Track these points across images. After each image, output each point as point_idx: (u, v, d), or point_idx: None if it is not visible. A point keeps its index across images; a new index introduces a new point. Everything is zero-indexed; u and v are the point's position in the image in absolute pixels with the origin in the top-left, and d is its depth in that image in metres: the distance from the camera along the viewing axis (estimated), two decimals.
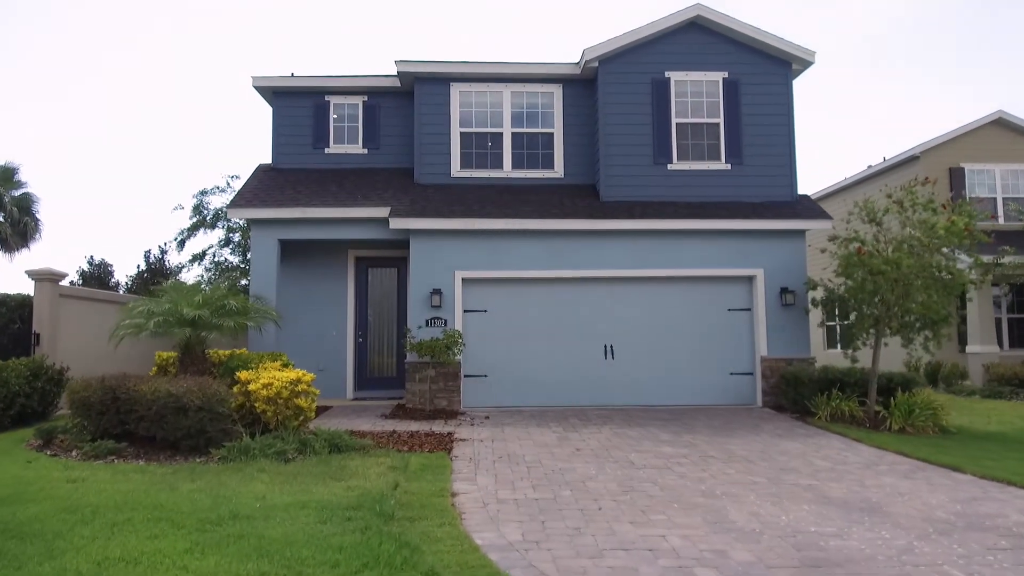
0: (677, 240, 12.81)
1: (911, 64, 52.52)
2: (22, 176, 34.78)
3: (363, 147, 14.47)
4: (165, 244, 20.77)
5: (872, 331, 11.61)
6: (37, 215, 36.02)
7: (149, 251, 30.17)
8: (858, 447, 9.27)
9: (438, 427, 10.39)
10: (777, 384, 12.52)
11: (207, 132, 48.31)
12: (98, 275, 35.66)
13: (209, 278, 20.25)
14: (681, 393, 12.72)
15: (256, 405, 8.61)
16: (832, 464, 8.25)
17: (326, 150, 14.45)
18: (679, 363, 12.78)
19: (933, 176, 15.61)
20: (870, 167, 22.52)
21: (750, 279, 12.97)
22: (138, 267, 31.83)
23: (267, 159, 14.68)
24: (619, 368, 12.72)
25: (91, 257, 35.22)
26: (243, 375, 9.16)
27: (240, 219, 13.81)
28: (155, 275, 29.14)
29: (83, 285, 33.48)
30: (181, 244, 20.35)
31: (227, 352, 12.45)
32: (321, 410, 12.11)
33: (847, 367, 11.82)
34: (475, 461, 8.07)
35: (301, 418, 8.66)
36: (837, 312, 12.42)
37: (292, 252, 14.04)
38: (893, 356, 12.45)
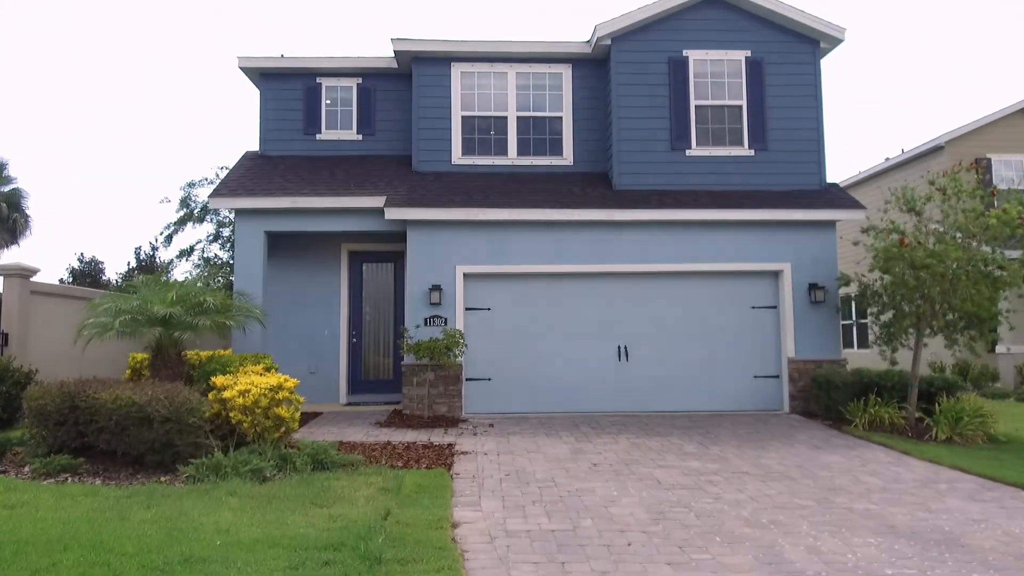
0: (697, 232, 11.80)
1: (936, 47, 50.63)
2: (11, 171, 33.85)
3: (357, 133, 13.48)
4: (156, 241, 19.74)
5: (912, 330, 10.62)
6: (27, 211, 35.17)
7: (139, 248, 29.25)
8: (908, 461, 8.27)
9: (437, 437, 9.39)
10: (806, 388, 11.52)
11: (201, 122, 47.02)
12: (89, 272, 34.81)
13: (197, 275, 19.26)
14: (701, 398, 11.72)
15: (231, 415, 7.62)
16: (884, 482, 7.25)
17: (318, 136, 13.45)
18: (699, 366, 11.79)
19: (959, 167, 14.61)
20: (888, 160, 21.51)
21: (776, 274, 11.97)
22: (128, 264, 30.93)
23: (256, 147, 13.67)
24: (634, 371, 11.72)
25: (81, 254, 34.35)
26: (218, 380, 8.17)
27: (223, 209, 12.83)
28: (146, 272, 28.21)
29: (73, 283, 32.62)
30: (168, 239, 19.33)
31: (208, 354, 11.48)
32: (311, 416, 11.15)
33: (883, 369, 10.82)
34: (479, 480, 7.08)
35: (282, 429, 7.67)
36: (870, 310, 11.40)
37: (281, 246, 13.06)
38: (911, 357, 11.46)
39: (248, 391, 7.60)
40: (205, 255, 19.45)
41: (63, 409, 7.71)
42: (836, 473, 7.60)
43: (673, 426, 10.35)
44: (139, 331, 8.89)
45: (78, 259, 33.78)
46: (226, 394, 7.69)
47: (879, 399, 10.25)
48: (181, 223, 18.55)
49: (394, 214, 11.42)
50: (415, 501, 6.05)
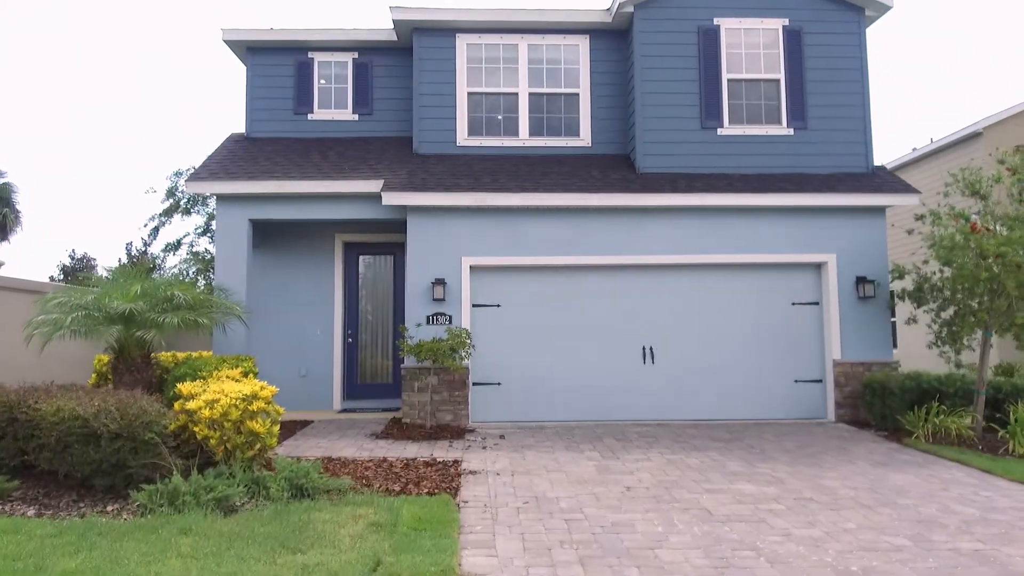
0: (730, 219, 10.56)
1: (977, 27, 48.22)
2: (0, 166, 32.75)
3: (353, 113, 12.25)
4: (146, 236, 18.64)
5: (979, 329, 9.37)
6: (17, 206, 34.05)
7: (131, 243, 28.07)
8: (995, 483, 7.01)
9: (441, 452, 8.17)
10: (854, 394, 10.28)
11: (191, 106, 45.28)
12: (81, 270, 33.64)
13: (185, 270, 18.11)
14: (735, 405, 10.48)
15: (196, 430, 6.40)
16: (980, 511, 6.00)
17: (309, 116, 12.23)
18: (733, 369, 10.54)
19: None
20: (915, 150, 20.21)
21: (819, 267, 10.72)
22: (119, 260, 29.75)
23: (243, 129, 12.45)
24: (660, 374, 10.48)
25: (72, 251, 33.24)
26: (185, 388, 6.97)
27: (201, 194, 11.60)
28: (145, 269, 27.08)
29: (64, 281, 31.48)
30: (155, 232, 18.18)
31: (184, 355, 10.29)
32: (300, 425, 9.94)
33: (942, 374, 9.58)
34: (492, 510, 5.85)
35: (257, 447, 6.44)
36: (924, 307, 10.16)
37: (268, 236, 11.85)
38: (926, 356, 10.20)
39: (216, 401, 6.38)
40: (194, 249, 18.34)
41: (1, 422, 6.55)
42: (917, 499, 6.36)
43: (709, 438, 9.11)
44: (96, 330, 7.68)
45: (69, 256, 32.72)
46: (191, 405, 6.47)
47: (944, 407, 9.02)
48: (167, 215, 17.38)
49: (393, 199, 10.20)
50: (413, 543, 4.81)
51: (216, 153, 11.53)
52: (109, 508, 5.82)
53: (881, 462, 7.83)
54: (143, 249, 29.26)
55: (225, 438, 6.34)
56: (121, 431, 6.02)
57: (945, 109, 47.89)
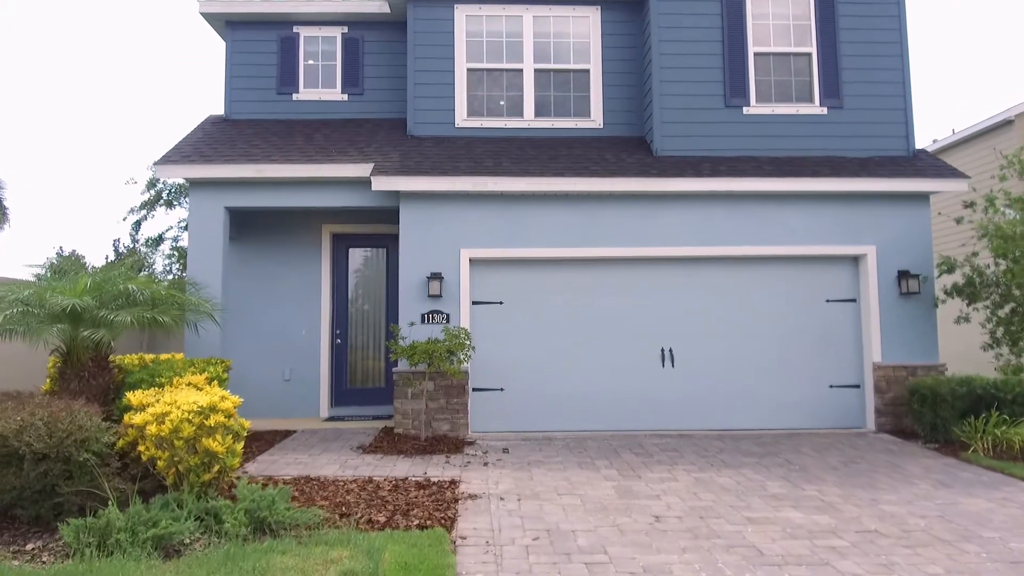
0: (758, 207, 9.51)
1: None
2: None
3: (342, 92, 11.21)
4: (132, 231, 17.58)
5: None
6: (4, 202, 33.05)
7: (118, 239, 27.00)
8: None
9: (436, 469, 7.13)
10: (897, 401, 9.23)
11: (174, 91, 43.50)
12: (65, 268, 32.59)
13: (169, 267, 17.09)
14: (765, 413, 9.44)
15: (142, 449, 5.37)
16: None
17: (294, 96, 11.19)
18: (761, 373, 9.50)
19: None
20: (935, 141, 19.17)
21: (856, 260, 9.68)
22: (106, 258, 28.66)
23: (222, 110, 11.39)
24: (681, 379, 9.44)
25: (60, 248, 32.10)
26: (135, 397, 5.95)
27: (175, 180, 10.55)
28: (132, 267, 25.99)
29: (49, 277, 30.43)
30: (137, 226, 17.14)
31: (152, 358, 9.26)
32: (281, 436, 8.91)
33: (997, 378, 8.54)
34: (495, 549, 4.81)
35: (215, 469, 5.40)
36: (976, 304, 9.14)
37: (248, 227, 10.83)
38: (967, 358, 9.15)
39: (166, 415, 5.35)
40: (179, 244, 17.30)
41: None
42: (1002, 531, 5.32)
43: (739, 451, 8.07)
44: (36, 329, 6.65)
45: (57, 253, 31.62)
46: (137, 419, 5.44)
47: (1003, 416, 7.99)
48: (148, 207, 16.35)
49: (384, 184, 9.16)
50: None
51: (190, 136, 10.49)
52: (29, 546, 4.79)
53: (943, 482, 6.79)
54: (131, 245, 28.27)
55: (176, 459, 5.31)
56: (49, 451, 5.01)
57: (962, 97, 46.29)
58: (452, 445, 8.31)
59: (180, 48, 45.20)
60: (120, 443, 5.61)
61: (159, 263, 18.12)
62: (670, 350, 9.47)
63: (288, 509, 5.07)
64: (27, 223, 28.25)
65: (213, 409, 5.48)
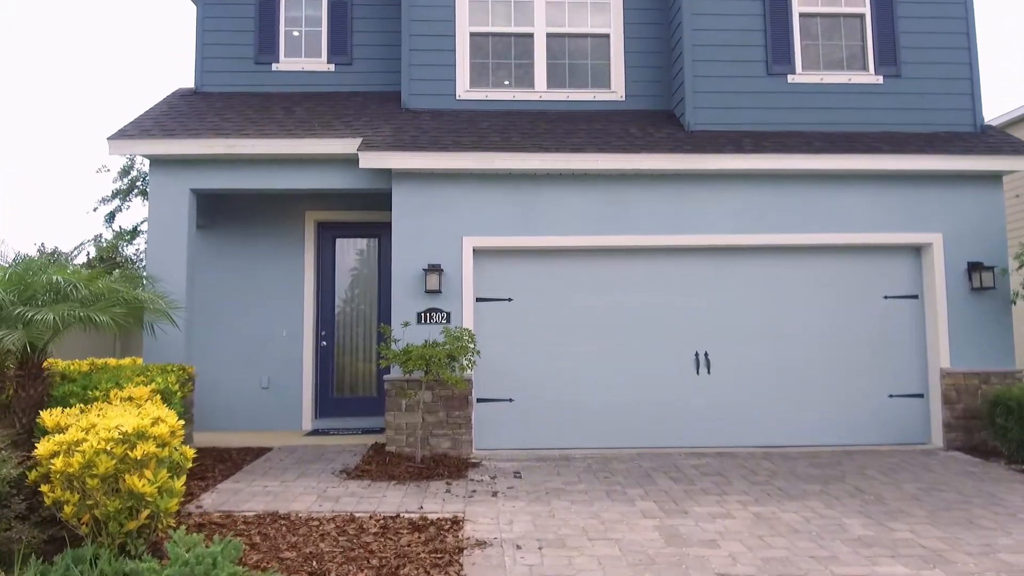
0: (808, 189, 8.23)
1: None
2: None
3: (328, 62, 9.91)
4: (110, 224, 16.32)
5: None
6: None
7: (100, 235, 25.68)
8: None
9: (435, 500, 5.84)
10: (969, 413, 7.96)
11: (149, 69, 41.23)
12: (51, 264, 31.22)
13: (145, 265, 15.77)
14: (813, 426, 8.16)
15: (45, 490, 4.08)
16: None
17: (274, 66, 9.89)
18: (810, 380, 8.22)
19: None
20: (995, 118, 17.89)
21: (919, 249, 8.40)
22: (88, 255, 27.34)
23: (192, 83, 10.09)
24: (718, 388, 8.15)
25: (42, 245, 30.80)
26: (50, 418, 4.66)
27: (128, 155, 9.18)
28: (110, 265, 24.61)
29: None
30: (110, 218, 15.84)
31: (102, 363, 7.99)
32: (254, 455, 7.62)
33: None
34: None
35: (144, 515, 4.11)
36: None
37: (221, 213, 9.56)
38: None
39: (78, 444, 4.06)
40: None
41: None
42: None
43: (794, 475, 6.79)
44: None
45: (38, 250, 30.30)
46: (42, 448, 4.15)
47: None
48: (121, 196, 15.04)
49: (373, 161, 7.86)
50: None
51: (153, 109, 9.19)
52: None
53: None
54: (112, 241, 26.93)
55: (90, 502, 4.01)
56: None
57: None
58: (453, 467, 7.01)
59: (153, 22, 43.04)
60: (32, 476, 4.33)
61: (138, 258, 16.86)
62: (705, 354, 8.18)
63: (233, 570, 3.76)
64: (10, 220, 26.81)
65: (142, 435, 4.18)
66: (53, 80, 43.61)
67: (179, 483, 4.32)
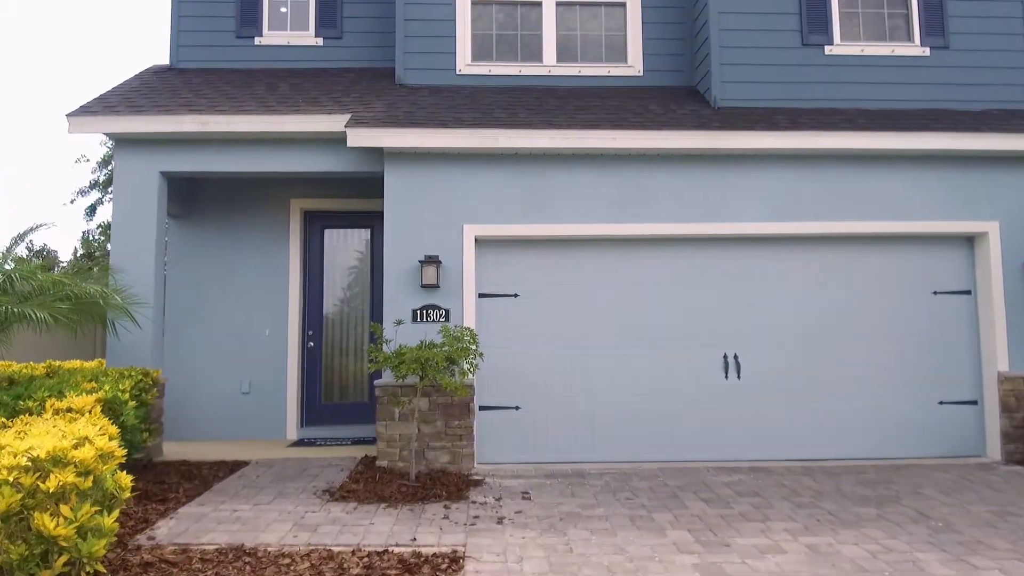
0: (849, 171, 7.37)
1: None
2: None
3: (316, 36, 9.06)
4: (91, 218, 15.52)
5: None
6: None
7: (87, 232, 24.84)
8: None
9: (431, 528, 4.97)
10: None
11: (132, 51, 39.64)
12: (40, 264, 30.38)
13: None
14: (855, 437, 7.29)
15: None
16: None
17: (257, 40, 9.03)
18: (851, 385, 7.36)
19: None
20: None
21: (972, 239, 7.54)
22: (75, 251, 26.51)
23: (168, 61, 9.22)
24: (748, 394, 7.29)
25: (30, 243, 29.99)
26: None
27: (91, 134, 8.29)
28: (100, 265, 23.77)
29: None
30: (91, 211, 15.00)
31: (58, 365, 7.14)
32: (228, 470, 6.77)
33: None
34: None
35: (61, 561, 3.25)
36: None
37: (198, 201, 8.72)
38: None
39: None
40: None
41: None
42: None
43: (843, 495, 5.92)
44: None
45: (27, 248, 29.51)
46: None
47: None
48: (102, 188, 14.18)
49: (363, 138, 7.00)
50: None
51: (122, 86, 8.33)
52: None
53: None
54: (100, 239, 26.12)
55: None
56: None
57: None
58: (453, 485, 6.15)
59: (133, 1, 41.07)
60: None
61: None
62: (734, 356, 7.31)
63: None
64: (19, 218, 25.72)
65: (59, 461, 3.32)
66: (29, 65, 42.41)
67: (110, 520, 3.46)
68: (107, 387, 5.16)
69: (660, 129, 7.04)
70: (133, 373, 6.06)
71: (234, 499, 5.74)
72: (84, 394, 4.92)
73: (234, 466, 6.94)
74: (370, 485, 6.11)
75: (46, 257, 30.14)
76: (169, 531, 4.89)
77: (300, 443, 8.20)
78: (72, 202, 15.27)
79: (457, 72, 8.30)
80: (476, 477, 6.53)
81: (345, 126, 7.03)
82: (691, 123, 7.20)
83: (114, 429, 4.11)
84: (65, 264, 26.32)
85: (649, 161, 7.25)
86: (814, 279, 7.44)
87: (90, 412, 4.55)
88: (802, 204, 7.31)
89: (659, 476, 6.54)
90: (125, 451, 4.00)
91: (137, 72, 8.91)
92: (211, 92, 8.01)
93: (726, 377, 7.29)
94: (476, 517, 5.28)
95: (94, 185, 14.58)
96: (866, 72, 7.87)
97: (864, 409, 7.33)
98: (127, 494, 3.71)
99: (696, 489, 6.11)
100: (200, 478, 6.41)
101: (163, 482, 6.14)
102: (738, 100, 7.73)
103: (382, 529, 4.97)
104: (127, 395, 5.23)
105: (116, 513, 3.55)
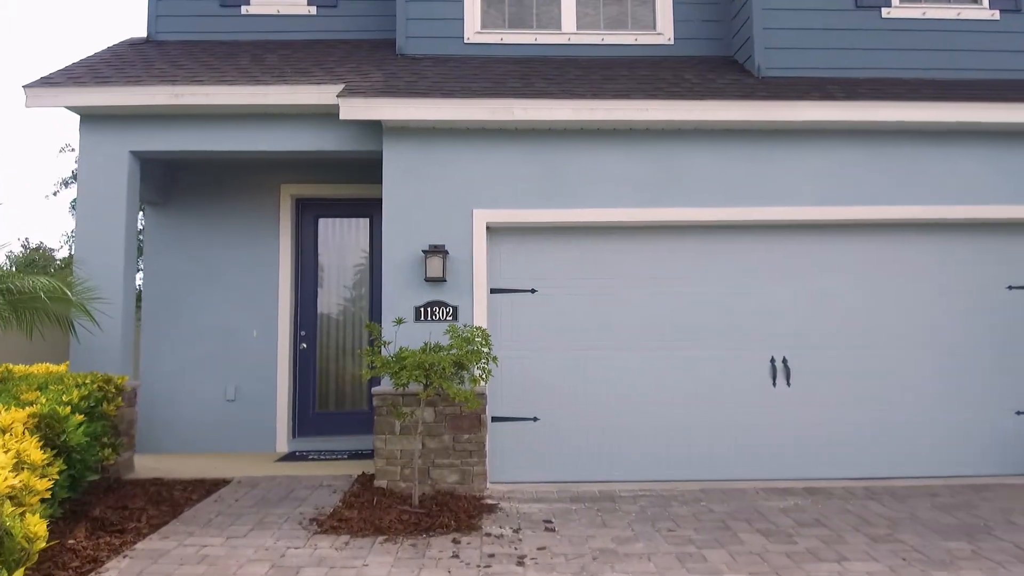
0: (912, 148, 6.45)
1: None
2: None
3: (309, 4, 8.18)
4: (75, 211, 14.70)
5: None
6: None
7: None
8: None
9: (437, 570, 4.08)
10: None
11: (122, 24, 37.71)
12: (36, 262, 29.59)
13: None
14: (923, 453, 6.37)
15: None
16: None
17: (244, 9, 8.16)
18: (913, 393, 6.43)
19: None
20: None
21: None
22: (69, 249, 25.70)
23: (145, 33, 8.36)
24: (800, 403, 6.37)
25: (26, 240, 29.17)
26: None
27: (50, 107, 7.38)
28: None
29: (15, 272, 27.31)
30: (75, 204, 14.12)
31: (8, 370, 6.27)
32: (206, 491, 5.90)
33: None
34: None
35: None
36: None
37: (178, 187, 7.87)
38: None
39: None
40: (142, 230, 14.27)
41: None
42: None
43: (921, 523, 5.02)
44: None
45: (22, 246, 28.73)
46: None
47: None
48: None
49: (357, 110, 6.10)
50: None
51: (91, 57, 7.47)
52: None
53: None
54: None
55: None
56: None
57: None
58: (463, 512, 5.25)
59: None
60: None
61: None
62: (783, 360, 6.40)
63: None
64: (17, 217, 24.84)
65: None
66: (8, 43, 41.17)
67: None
68: (43, 399, 4.29)
69: (700, 99, 6.13)
70: (88, 381, 5.18)
71: (205, 529, 4.86)
72: (16, 408, 4.04)
73: (212, 486, 6.06)
74: (366, 511, 5.22)
75: (41, 254, 29.39)
76: (128, 569, 4.02)
77: (290, 457, 7.32)
78: (55, 194, 14.44)
79: (465, 41, 7.42)
80: (489, 501, 5.64)
81: (337, 96, 6.14)
82: (735, 92, 6.29)
83: (38, 455, 3.24)
84: (60, 262, 25.51)
85: (685, 137, 6.34)
86: (873, 272, 6.52)
87: (25, 430, 3.66)
88: (860, 185, 6.39)
89: (702, 500, 5.64)
90: (50, 484, 3.13)
91: (111, 45, 8.04)
92: (190, 63, 7.14)
93: (774, 384, 6.38)
94: (491, 556, 4.39)
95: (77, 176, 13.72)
96: (927, 38, 6.95)
97: (930, 420, 6.41)
98: (41, 544, 2.83)
99: (748, 517, 5.21)
100: (170, 502, 5.53)
101: (125, 507, 5.26)
102: (784, 69, 6.82)
103: (377, 573, 4.08)
104: (68, 409, 4.34)
105: (20, 572, 2.67)
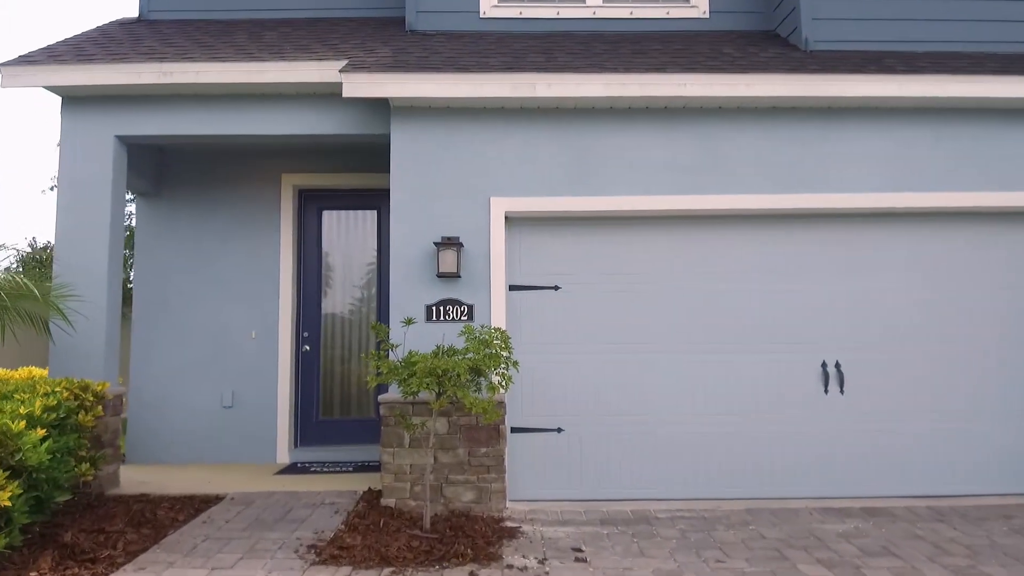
0: (981, 129, 5.78)
1: None
2: None
3: None
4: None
5: None
6: None
7: None
8: None
9: None
10: None
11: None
12: (43, 261, 29.27)
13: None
14: (987, 469, 5.70)
15: None
16: None
17: None
18: (980, 402, 5.76)
19: None
20: None
21: None
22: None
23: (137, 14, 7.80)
24: (854, 413, 5.72)
25: (33, 239, 28.87)
26: None
27: (28, 87, 6.79)
28: None
29: (22, 273, 27.06)
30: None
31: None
32: (193, 511, 5.33)
33: None
34: None
35: None
36: None
37: (171, 176, 7.32)
38: None
39: None
40: (130, 223, 13.80)
41: None
42: None
43: (1001, 550, 4.39)
44: None
45: (29, 245, 28.38)
46: None
47: None
48: None
49: (361, 87, 5.50)
50: None
51: (77, 36, 6.90)
52: None
53: None
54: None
55: None
56: None
57: None
58: (480, 537, 4.64)
59: None
60: None
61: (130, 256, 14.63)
62: (836, 365, 5.75)
63: None
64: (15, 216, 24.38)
65: None
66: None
67: None
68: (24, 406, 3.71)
69: (744, 72, 5.49)
70: (58, 389, 4.61)
71: (188, 559, 4.27)
72: None
73: (203, 503, 5.48)
74: (371, 537, 4.61)
75: (48, 254, 29.04)
76: None
77: (291, 469, 6.74)
78: (52, 188, 13.88)
79: (481, 15, 6.81)
80: (510, 524, 5.02)
81: (340, 71, 5.54)
82: (782, 66, 5.65)
83: None
84: None
85: (726, 116, 5.71)
86: (937, 266, 5.86)
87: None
88: (925, 170, 5.73)
89: (750, 523, 5.00)
90: None
91: (100, 24, 7.49)
92: (182, 41, 6.57)
93: (826, 391, 5.73)
94: None
95: None
96: (991, 8, 6.28)
97: (999, 432, 5.74)
98: None
99: (805, 543, 4.56)
100: (153, 523, 4.95)
101: (102, 530, 4.68)
102: (834, 41, 6.17)
103: None
104: (23, 423, 3.76)
105: None
